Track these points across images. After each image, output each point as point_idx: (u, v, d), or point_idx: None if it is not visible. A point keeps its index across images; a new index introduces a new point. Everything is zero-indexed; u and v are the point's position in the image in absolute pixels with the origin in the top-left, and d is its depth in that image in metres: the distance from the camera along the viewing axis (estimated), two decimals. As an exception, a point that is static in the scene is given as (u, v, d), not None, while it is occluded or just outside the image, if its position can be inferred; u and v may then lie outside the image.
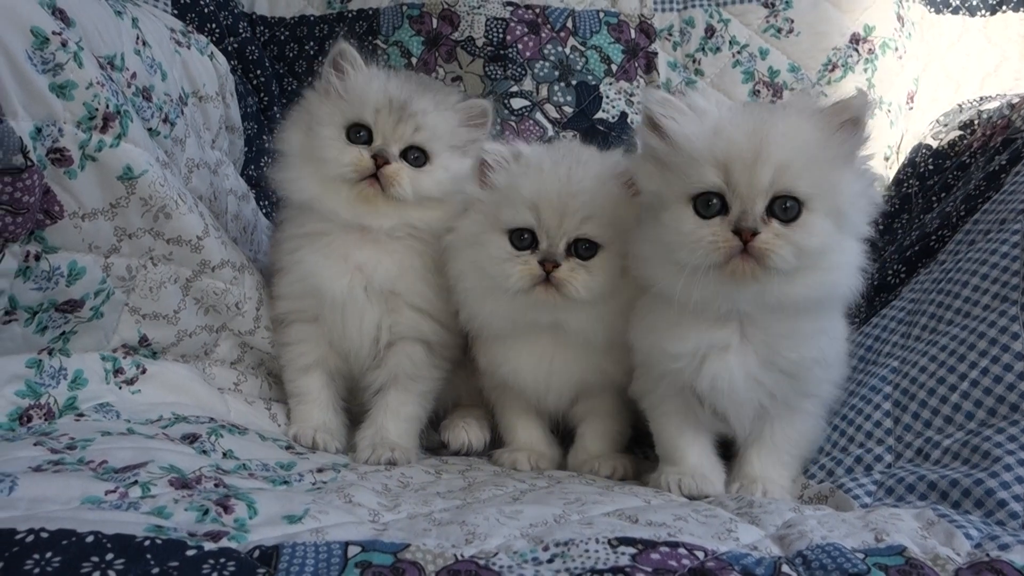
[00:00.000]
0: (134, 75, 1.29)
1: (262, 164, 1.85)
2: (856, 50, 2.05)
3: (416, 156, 1.36)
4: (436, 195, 1.36)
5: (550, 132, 2.04)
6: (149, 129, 1.29)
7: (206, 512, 0.90)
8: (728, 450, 1.28)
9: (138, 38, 1.35)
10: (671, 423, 1.25)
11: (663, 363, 1.17)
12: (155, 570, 0.75)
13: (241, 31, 1.91)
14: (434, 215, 1.38)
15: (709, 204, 1.06)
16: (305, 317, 1.43)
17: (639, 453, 1.49)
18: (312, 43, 2.10)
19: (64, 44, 1.10)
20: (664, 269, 1.10)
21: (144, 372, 1.33)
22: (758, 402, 1.16)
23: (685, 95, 1.15)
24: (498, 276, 1.26)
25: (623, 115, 2.07)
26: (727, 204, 1.05)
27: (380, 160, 1.32)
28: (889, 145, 2.04)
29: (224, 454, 1.19)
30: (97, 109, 1.14)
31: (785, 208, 1.04)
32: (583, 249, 1.26)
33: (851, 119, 1.07)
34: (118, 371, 1.31)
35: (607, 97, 2.07)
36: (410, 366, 1.42)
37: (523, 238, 1.26)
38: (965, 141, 1.70)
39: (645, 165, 1.14)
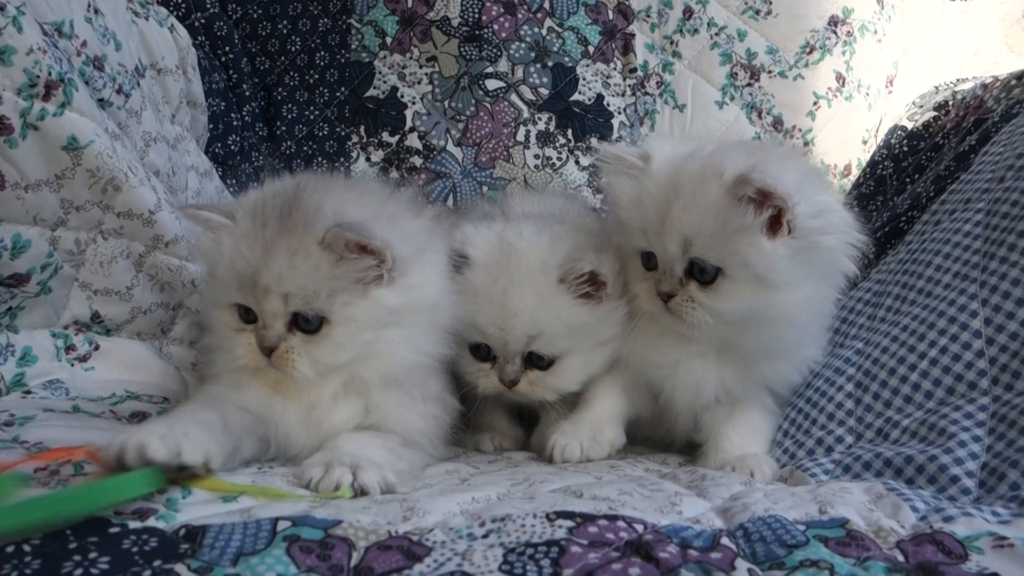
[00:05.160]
0: (84, 43, 1.26)
1: (229, 143, 1.83)
2: (834, 32, 2.03)
3: (306, 320, 1.04)
4: (347, 358, 1.06)
5: (525, 114, 2.02)
6: (100, 100, 1.26)
7: (139, 491, 0.87)
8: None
9: (89, 6, 1.31)
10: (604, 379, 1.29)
11: (642, 370, 1.23)
12: (72, 545, 0.73)
13: (209, 6, 1.88)
14: (379, 357, 1.09)
15: (650, 258, 1.15)
16: None
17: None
18: (285, 22, 2.06)
19: (2, 8, 1.07)
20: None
21: (97, 349, 1.31)
22: (714, 400, 1.22)
23: (642, 142, 1.25)
24: (470, 382, 1.26)
25: (599, 97, 2.04)
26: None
27: (265, 350, 1.05)
28: (867, 128, 2.03)
29: (173, 434, 1.16)
30: (39, 76, 1.11)
31: (702, 271, 1.09)
32: (537, 360, 1.22)
33: (752, 195, 1.03)
34: (70, 348, 1.28)
35: (584, 79, 2.05)
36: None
37: (480, 351, 1.24)
38: (939, 122, 1.68)
39: (611, 221, 1.26)
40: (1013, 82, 1.52)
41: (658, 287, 1.12)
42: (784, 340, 1.16)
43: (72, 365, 1.27)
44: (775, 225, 1.04)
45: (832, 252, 1.09)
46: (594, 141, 2.01)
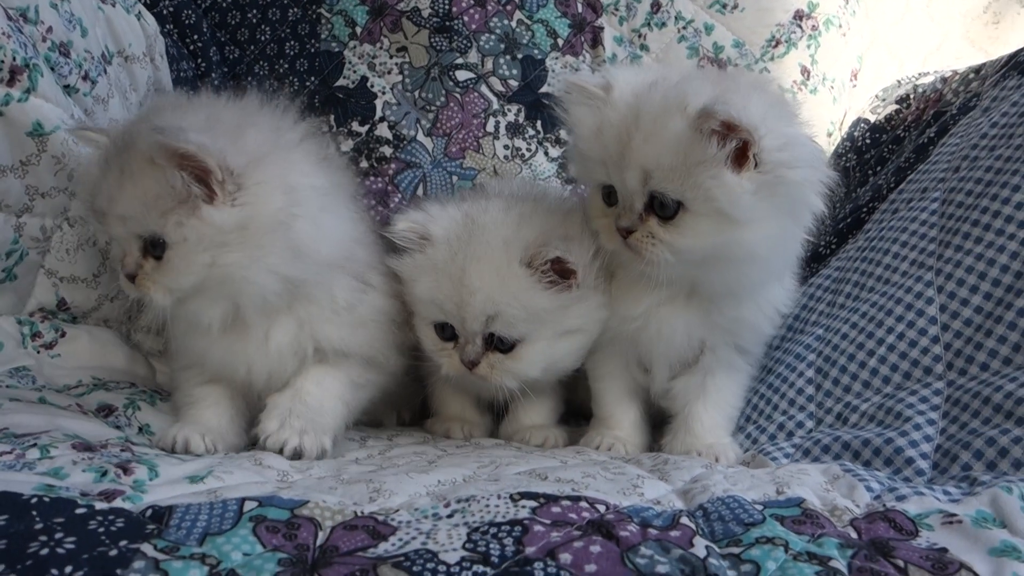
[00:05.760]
0: (50, 29, 1.24)
1: (198, 131, 1.81)
2: (800, 26, 2.05)
3: (154, 245, 1.00)
4: (191, 281, 1.01)
5: (495, 105, 2.02)
6: (66, 86, 1.25)
7: (104, 473, 0.88)
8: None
9: (55, -9, 1.30)
10: (611, 386, 1.30)
11: (617, 325, 1.21)
12: (38, 525, 0.73)
13: (177, -6, 1.87)
14: (233, 282, 1.02)
15: (610, 193, 1.11)
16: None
17: (575, 426, 1.48)
18: (255, 11, 2.05)
19: (-35, -8, 1.07)
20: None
21: (64, 336, 1.30)
22: (688, 354, 1.22)
23: (604, 70, 1.17)
24: (434, 360, 1.25)
25: (569, 89, 2.05)
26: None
27: (127, 276, 1.02)
28: (832, 121, 2.05)
29: (140, 429, 1.15)
30: (3, 61, 1.10)
31: (662, 205, 1.05)
32: (499, 342, 1.19)
33: (716, 128, 0.99)
34: (36, 335, 1.28)
35: (553, 71, 2.06)
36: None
37: (444, 330, 1.22)
38: (901, 115, 1.71)
39: (573, 154, 1.21)
40: (971, 76, 1.55)
41: (617, 222, 1.08)
42: (747, 279, 1.12)
43: (38, 352, 1.27)
44: (740, 158, 1.00)
45: (799, 187, 1.04)
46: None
